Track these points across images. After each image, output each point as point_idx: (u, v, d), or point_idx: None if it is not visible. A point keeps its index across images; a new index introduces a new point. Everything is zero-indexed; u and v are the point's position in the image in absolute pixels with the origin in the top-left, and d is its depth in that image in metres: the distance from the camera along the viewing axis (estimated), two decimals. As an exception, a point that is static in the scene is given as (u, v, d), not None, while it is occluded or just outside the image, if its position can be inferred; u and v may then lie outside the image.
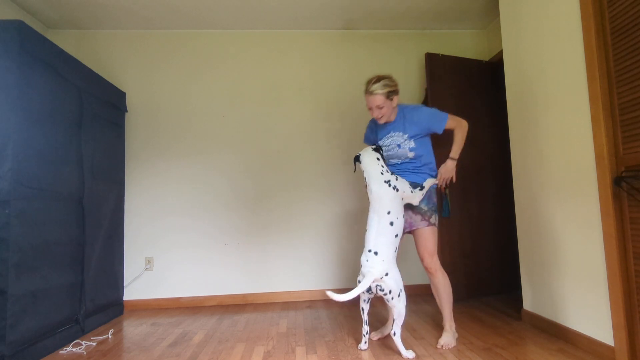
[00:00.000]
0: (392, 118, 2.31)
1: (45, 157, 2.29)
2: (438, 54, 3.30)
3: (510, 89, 2.71)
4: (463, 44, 3.76)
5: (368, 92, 2.19)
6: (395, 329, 2.04)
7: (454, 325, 2.27)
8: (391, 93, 2.19)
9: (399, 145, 2.28)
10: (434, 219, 2.26)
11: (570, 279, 2.18)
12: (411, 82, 3.68)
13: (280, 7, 3.24)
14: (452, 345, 2.17)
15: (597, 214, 1.96)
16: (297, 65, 3.62)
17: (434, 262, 2.24)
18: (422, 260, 2.26)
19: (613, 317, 1.87)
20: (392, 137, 2.31)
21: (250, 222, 3.47)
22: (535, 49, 2.42)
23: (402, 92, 3.65)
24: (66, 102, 2.52)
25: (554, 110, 2.26)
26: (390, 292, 2.02)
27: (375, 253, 2.04)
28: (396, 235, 2.10)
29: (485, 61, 3.55)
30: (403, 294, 2.06)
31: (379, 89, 2.17)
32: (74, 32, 3.50)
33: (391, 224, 2.08)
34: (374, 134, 2.48)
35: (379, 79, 2.20)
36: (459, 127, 2.27)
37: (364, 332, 2.18)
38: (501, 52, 3.35)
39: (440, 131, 2.25)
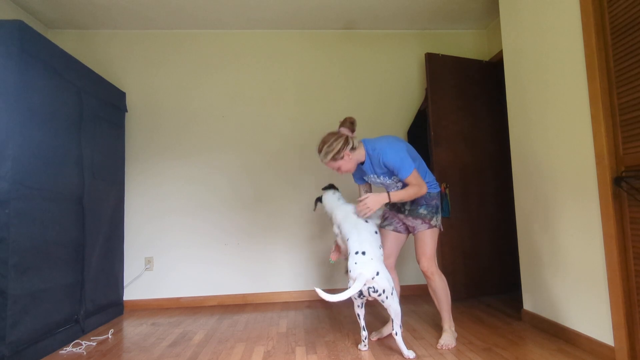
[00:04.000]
0: (362, 158, 2.21)
1: (45, 157, 2.29)
2: (438, 54, 3.30)
3: (510, 89, 2.71)
4: (463, 44, 3.76)
5: (321, 161, 2.21)
6: (396, 329, 2.04)
7: (453, 326, 2.28)
8: (338, 154, 2.12)
9: (386, 185, 2.27)
10: (435, 220, 2.22)
11: (570, 279, 2.18)
12: (411, 82, 3.68)
13: (280, 7, 3.24)
14: (452, 345, 2.18)
15: (597, 214, 1.96)
16: (297, 65, 3.62)
17: (431, 265, 2.22)
18: (419, 262, 2.25)
19: (613, 317, 1.87)
20: (372, 178, 2.28)
21: (250, 222, 3.47)
22: (535, 49, 2.42)
23: (402, 92, 3.66)
24: (66, 102, 2.52)
25: (554, 110, 2.26)
26: (384, 291, 2.00)
27: (363, 253, 2.02)
28: (376, 232, 2.16)
29: (485, 61, 3.55)
30: (395, 291, 2.06)
31: (324, 158, 2.16)
32: (74, 32, 3.50)
33: (366, 220, 2.15)
34: (357, 174, 2.39)
35: (320, 148, 2.16)
36: (416, 187, 2.10)
37: (362, 337, 2.18)
38: (501, 52, 3.35)
39: (402, 178, 2.12)
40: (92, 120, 2.81)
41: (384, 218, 2.40)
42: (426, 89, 3.31)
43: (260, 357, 2.10)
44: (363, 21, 3.53)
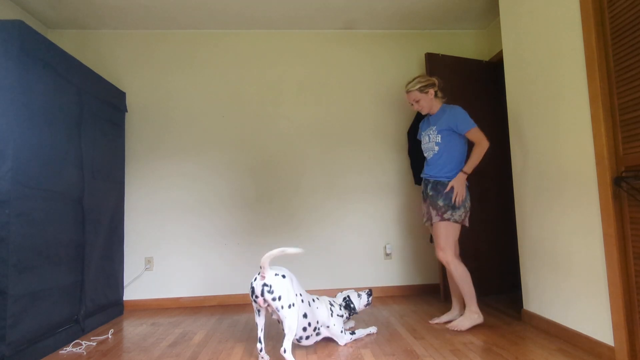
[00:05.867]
0: (434, 110, 2.59)
1: (45, 157, 2.29)
2: (438, 54, 3.30)
3: (510, 89, 2.71)
4: (463, 44, 3.76)
5: (406, 91, 2.59)
6: (285, 345, 1.88)
7: (473, 310, 2.41)
8: (424, 87, 2.53)
9: (429, 137, 2.56)
10: (449, 214, 2.41)
11: (570, 279, 2.18)
12: (411, 82, 3.68)
13: (280, 7, 3.24)
14: (464, 328, 2.38)
15: (597, 214, 1.96)
16: (297, 65, 3.62)
17: (444, 254, 2.44)
18: (435, 251, 2.52)
19: (613, 317, 1.87)
20: (429, 131, 2.58)
21: (250, 222, 3.47)
22: (535, 49, 2.42)
23: (402, 92, 3.66)
24: (66, 102, 2.52)
25: (554, 110, 2.26)
26: (280, 298, 1.89)
27: (283, 276, 1.99)
28: (314, 301, 2.23)
29: (485, 61, 3.55)
30: (295, 310, 1.94)
31: (412, 86, 2.55)
32: (74, 32, 3.50)
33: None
34: (417, 130, 2.77)
35: (413, 78, 2.58)
36: (480, 145, 2.41)
37: (257, 349, 2.00)
38: (501, 52, 3.35)
39: (462, 131, 2.45)
40: (92, 120, 2.81)
41: (423, 214, 2.63)
42: (426, 89, 3.30)
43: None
44: (363, 21, 3.53)
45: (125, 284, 3.32)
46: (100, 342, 2.47)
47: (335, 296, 2.49)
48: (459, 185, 2.42)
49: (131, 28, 3.51)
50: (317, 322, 2.16)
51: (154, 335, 2.57)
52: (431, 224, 2.56)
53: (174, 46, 3.55)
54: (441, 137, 2.50)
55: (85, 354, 2.26)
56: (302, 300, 2.07)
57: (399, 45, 3.71)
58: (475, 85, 3.41)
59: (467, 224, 2.47)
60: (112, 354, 2.24)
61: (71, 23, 3.38)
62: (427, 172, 2.59)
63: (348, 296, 2.40)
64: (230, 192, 3.48)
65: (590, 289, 2.03)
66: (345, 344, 2.24)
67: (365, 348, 2.18)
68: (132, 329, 2.75)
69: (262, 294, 1.92)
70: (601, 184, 1.91)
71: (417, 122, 3.52)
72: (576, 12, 2.05)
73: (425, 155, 2.63)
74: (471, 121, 2.45)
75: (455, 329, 2.40)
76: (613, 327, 1.87)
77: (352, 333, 2.30)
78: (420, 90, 2.53)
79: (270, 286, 1.92)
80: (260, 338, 2.01)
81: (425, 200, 2.61)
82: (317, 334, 2.18)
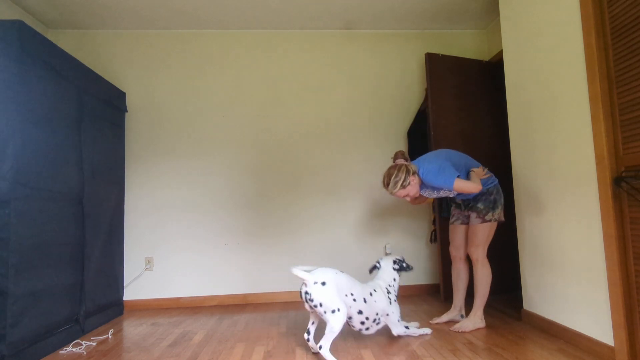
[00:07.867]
0: (421, 181, 2.43)
1: (45, 157, 2.29)
2: (438, 54, 3.30)
3: (510, 89, 2.71)
4: (463, 44, 3.76)
5: (390, 193, 2.37)
6: (323, 342, 1.96)
7: (479, 314, 2.45)
8: (404, 182, 2.31)
9: (437, 191, 2.46)
10: (490, 215, 2.43)
11: (570, 279, 2.18)
12: (411, 82, 3.68)
13: (280, 7, 3.24)
14: (468, 330, 2.40)
15: (597, 214, 1.96)
16: (297, 65, 3.62)
17: (476, 252, 2.45)
18: (467, 248, 2.54)
19: (613, 317, 1.87)
20: (430, 193, 2.50)
21: (250, 221, 3.47)
22: (535, 49, 2.42)
23: (402, 92, 3.67)
24: (66, 102, 2.52)
25: (554, 110, 2.26)
26: (321, 305, 1.97)
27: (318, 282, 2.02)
28: (366, 297, 2.20)
29: (485, 61, 3.55)
30: (340, 314, 1.97)
31: (392, 188, 2.32)
32: (74, 32, 3.50)
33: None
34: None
35: (387, 182, 2.33)
36: (469, 189, 2.28)
37: (305, 338, 2.13)
38: (501, 52, 3.35)
39: (452, 190, 2.34)
40: (92, 120, 2.81)
41: (451, 215, 2.67)
42: (426, 89, 3.31)
43: (260, 357, 2.10)
44: (363, 21, 3.53)
45: (125, 284, 3.32)
46: (100, 342, 2.47)
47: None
48: (480, 178, 2.40)
49: (131, 28, 3.51)
50: (377, 314, 2.22)
51: (154, 335, 2.57)
52: (461, 223, 2.60)
53: (174, 46, 3.55)
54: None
55: (85, 354, 2.26)
56: (355, 300, 2.12)
57: (399, 45, 3.71)
58: (475, 85, 3.41)
59: (503, 219, 2.47)
60: (112, 354, 2.24)
61: (71, 23, 3.38)
62: (460, 198, 2.57)
63: (397, 259, 2.46)
64: (231, 191, 3.48)
65: (591, 289, 2.03)
66: (397, 335, 2.30)
67: (365, 348, 2.18)
68: (132, 329, 2.75)
69: (306, 301, 2.02)
70: (601, 184, 1.91)
71: (417, 123, 3.53)
72: (576, 12, 2.05)
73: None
74: (448, 177, 2.27)
75: (458, 331, 2.41)
76: (613, 327, 1.87)
77: (406, 327, 2.34)
78: (404, 186, 2.32)
79: (310, 294, 1.99)
80: (309, 329, 2.11)
81: (460, 208, 2.60)
82: (377, 324, 2.25)
